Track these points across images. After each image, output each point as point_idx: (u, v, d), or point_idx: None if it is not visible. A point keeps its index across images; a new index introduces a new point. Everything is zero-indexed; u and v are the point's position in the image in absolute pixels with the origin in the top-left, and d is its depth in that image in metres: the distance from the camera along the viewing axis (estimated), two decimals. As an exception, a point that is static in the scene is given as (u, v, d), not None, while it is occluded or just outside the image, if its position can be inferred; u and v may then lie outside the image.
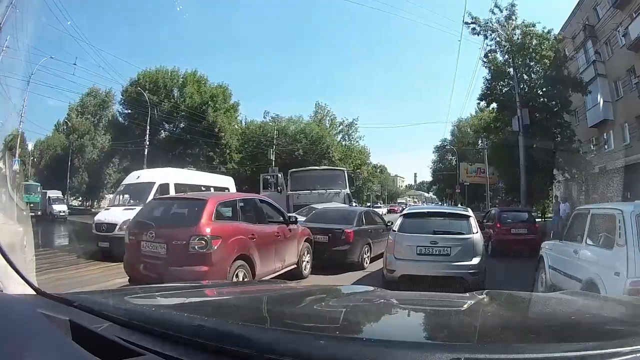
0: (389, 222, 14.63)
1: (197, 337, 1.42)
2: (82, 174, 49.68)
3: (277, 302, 2.62)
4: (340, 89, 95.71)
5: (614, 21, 25.88)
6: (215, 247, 7.19)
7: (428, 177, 77.34)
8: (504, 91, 26.37)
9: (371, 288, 3.28)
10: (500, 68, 26.10)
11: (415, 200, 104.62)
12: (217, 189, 17.11)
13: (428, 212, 11.16)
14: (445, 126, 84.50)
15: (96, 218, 14.21)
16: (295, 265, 9.95)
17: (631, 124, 25.71)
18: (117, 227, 12.52)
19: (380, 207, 61.34)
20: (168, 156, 44.91)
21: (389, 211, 65.78)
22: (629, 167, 23.62)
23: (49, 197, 34.05)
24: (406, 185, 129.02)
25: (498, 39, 25.63)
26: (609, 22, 26.42)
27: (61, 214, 33.76)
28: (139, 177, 15.77)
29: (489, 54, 26.23)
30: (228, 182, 19.91)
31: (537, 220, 19.52)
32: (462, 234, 8.91)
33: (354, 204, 20.90)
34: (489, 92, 26.78)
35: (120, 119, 49.85)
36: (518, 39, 25.27)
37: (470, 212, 9.65)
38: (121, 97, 47.98)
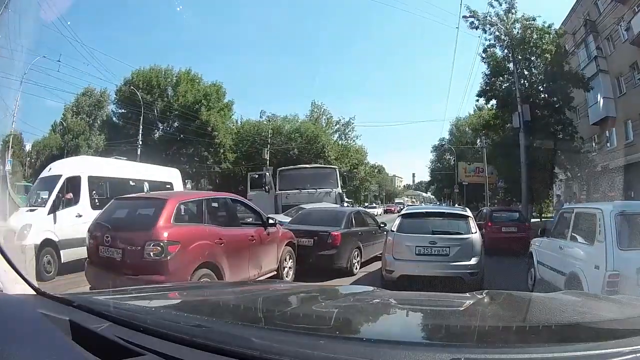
0: (382, 223, 13.91)
1: (197, 337, 1.43)
2: (78, 175, 48.54)
3: (277, 302, 2.64)
4: (337, 88, 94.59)
5: (616, 15, 25.11)
6: (173, 254, 6.33)
7: (426, 177, 77.23)
8: (503, 87, 25.60)
9: (370, 288, 3.29)
10: (499, 63, 25.29)
11: (414, 200, 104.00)
12: (153, 184, 13.28)
13: (426, 212, 11.01)
14: (443, 125, 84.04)
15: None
16: (275, 272, 9.08)
17: (634, 121, 25.05)
18: (16, 235, 9.46)
19: (375, 208, 60.63)
20: (162, 156, 44.35)
21: (386, 211, 65.23)
22: (632, 165, 23.08)
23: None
24: (404, 185, 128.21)
25: (497, 33, 24.80)
26: (610, 16, 25.59)
27: None
28: (50, 169, 12.27)
29: (488, 49, 25.45)
30: (171, 175, 15.64)
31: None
32: (461, 234, 8.92)
33: (345, 204, 19.75)
34: (488, 88, 25.88)
35: (114, 119, 49.36)
36: (518, 33, 24.42)
37: (468, 212, 9.70)
38: (115, 96, 47.47)
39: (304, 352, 1.34)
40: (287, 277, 9.43)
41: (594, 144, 29.37)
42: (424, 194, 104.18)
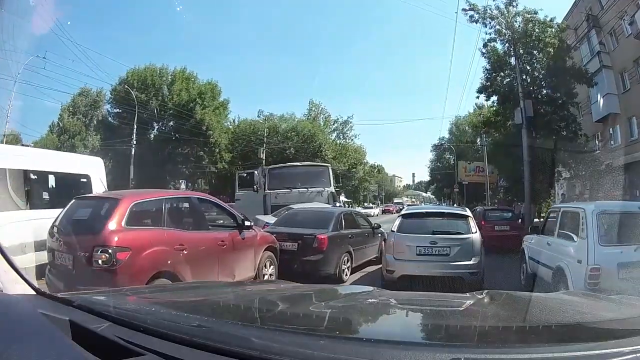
0: (376, 224, 13.01)
1: (197, 337, 1.44)
2: (74, 175, 47.94)
3: (277, 302, 2.63)
4: (336, 88, 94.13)
5: (619, 9, 24.42)
6: (122, 262, 5.54)
7: (426, 177, 76.52)
8: (504, 82, 24.68)
9: (370, 288, 3.29)
10: (500, 58, 24.41)
11: (414, 200, 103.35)
12: (61, 176, 9.89)
13: (427, 212, 10.92)
14: (442, 123, 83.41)
15: None
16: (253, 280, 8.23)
17: (639, 117, 24.39)
18: None
19: (371, 208, 59.81)
20: (157, 156, 43.79)
21: (384, 212, 64.55)
22: (636, 163, 22.50)
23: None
24: (404, 185, 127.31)
25: (498, 26, 23.83)
26: (613, 10, 24.93)
27: None
28: None
29: (489, 43, 24.53)
30: (88, 165, 11.32)
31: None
32: (461, 234, 8.93)
33: (338, 204, 18.70)
34: (489, 84, 24.93)
35: (109, 118, 48.85)
36: (519, 26, 23.55)
37: (468, 212, 9.75)
38: (110, 96, 46.95)
39: (303, 352, 1.35)
40: None
41: (597, 142, 28.56)
42: (423, 194, 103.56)
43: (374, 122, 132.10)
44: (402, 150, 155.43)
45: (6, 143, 30.27)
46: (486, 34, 24.47)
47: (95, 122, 49.53)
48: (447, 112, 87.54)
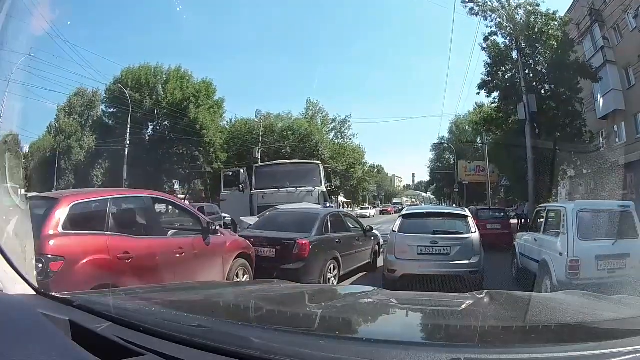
0: (368, 227, 12.03)
1: (197, 337, 1.44)
2: (69, 176, 47.25)
3: (277, 302, 2.62)
4: (334, 88, 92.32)
5: (623, 2, 23.40)
6: (55, 274, 4.66)
7: (426, 177, 75.62)
8: (506, 77, 23.92)
9: (370, 288, 3.38)
10: (502, 52, 23.64)
11: (414, 200, 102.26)
12: None
13: (427, 212, 11.10)
14: (441, 121, 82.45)
15: None
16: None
17: (644, 114, 23.50)
18: None
19: (367, 209, 58.81)
20: (152, 156, 43.09)
21: (382, 212, 63.72)
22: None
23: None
24: (404, 186, 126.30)
25: (499, 19, 23.04)
26: (616, 3, 23.86)
27: None
28: None
29: (489, 37, 23.75)
30: None
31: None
32: (461, 233, 9.10)
33: (328, 204, 17.32)
34: (489, 78, 24.19)
35: (104, 118, 48.25)
36: (521, 19, 22.77)
37: (468, 212, 9.90)
38: (104, 96, 46.24)
39: (303, 352, 1.35)
40: None
41: (601, 139, 27.66)
42: (423, 194, 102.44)
43: (372, 120, 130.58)
44: (402, 150, 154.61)
45: (5, 144, 29.80)
46: (487, 27, 23.74)
47: (90, 122, 49.15)
48: (446, 110, 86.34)
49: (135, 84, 43.82)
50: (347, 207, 66.29)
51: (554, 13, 23.20)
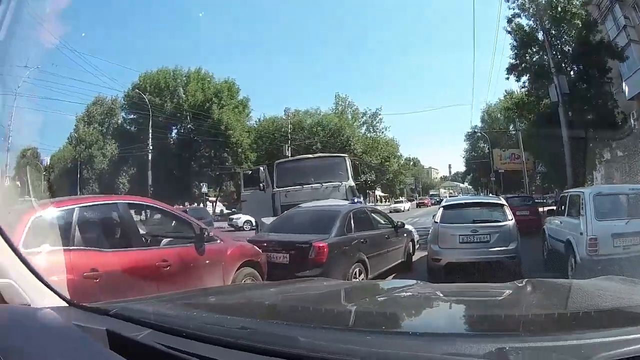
0: (399, 222, 11.04)
1: (242, 339, 1.42)
2: (93, 185, 47.80)
3: (320, 299, 2.61)
4: (360, 83, 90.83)
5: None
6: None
7: (462, 168, 73.98)
8: (534, 59, 22.95)
9: (412, 281, 3.32)
10: (527, 34, 22.74)
11: (451, 191, 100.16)
12: None
13: (466, 202, 11.66)
14: (472, 110, 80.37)
15: None
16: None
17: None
18: None
19: (401, 202, 57.37)
20: (178, 160, 43.17)
21: (419, 205, 62.23)
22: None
23: None
24: (441, 177, 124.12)
25: (521, 0, 22.23)
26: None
27: None
28: None
29: (513, 19, 22.87)
30: None
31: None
32: (499, 221, 9.54)
33: (357, 200, 15.81)
34: (517, 61, 23.25)
35: (125, 125, 48.75)
36: (543, -1, 21.81)
37: (504, 201, 10.50)
38: (123, 102, 46.58)
39: (350, 348, 1.33)
40: None
41: (632, 121, 25.81)
42: (461, 185, 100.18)
43: (402, 112, 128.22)
44: (437, 141, 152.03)
45: (24, 157, 30.14)
46: (509, 8, 22.90)
47: (111, 130, 49.50)
48: (476, 98, 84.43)
49: (155, 89, 44.03)
50: (384, 201, 65.30)
51: (575, -10, 22.30)
